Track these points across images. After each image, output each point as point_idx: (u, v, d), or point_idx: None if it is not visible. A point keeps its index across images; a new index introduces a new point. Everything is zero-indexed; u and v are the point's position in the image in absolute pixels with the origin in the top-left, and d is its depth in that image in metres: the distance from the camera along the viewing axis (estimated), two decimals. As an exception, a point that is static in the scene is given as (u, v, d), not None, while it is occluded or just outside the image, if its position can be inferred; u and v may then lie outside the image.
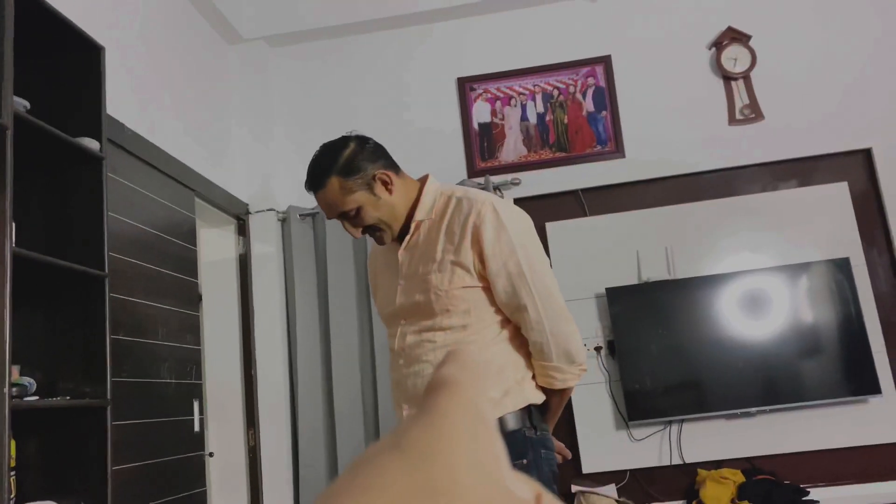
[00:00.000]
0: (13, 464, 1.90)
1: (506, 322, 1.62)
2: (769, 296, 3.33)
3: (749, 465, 3.26)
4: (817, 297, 3.31)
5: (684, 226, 3.50)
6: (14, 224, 1.64)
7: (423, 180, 1.70)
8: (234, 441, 3.41)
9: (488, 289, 1.59)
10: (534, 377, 1.63)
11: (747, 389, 3.26)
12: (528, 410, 1.58)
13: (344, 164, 1.59)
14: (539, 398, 1.61)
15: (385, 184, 1.61)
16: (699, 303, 3.35)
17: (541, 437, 1.58)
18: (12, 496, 1.86)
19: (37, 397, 1.83)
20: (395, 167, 1.65)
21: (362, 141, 1.63)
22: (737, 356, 3.28)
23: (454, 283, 1.57)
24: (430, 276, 1.59)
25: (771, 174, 3.54)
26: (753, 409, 3.24)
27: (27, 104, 1.80)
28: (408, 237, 1.67)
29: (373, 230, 1.64)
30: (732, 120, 3.58)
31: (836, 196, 3.45)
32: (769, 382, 3.26)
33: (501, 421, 1.54)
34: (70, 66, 2.04)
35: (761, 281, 3.34)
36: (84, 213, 1.96)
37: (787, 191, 3.50)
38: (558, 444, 1.71)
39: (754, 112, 3.57)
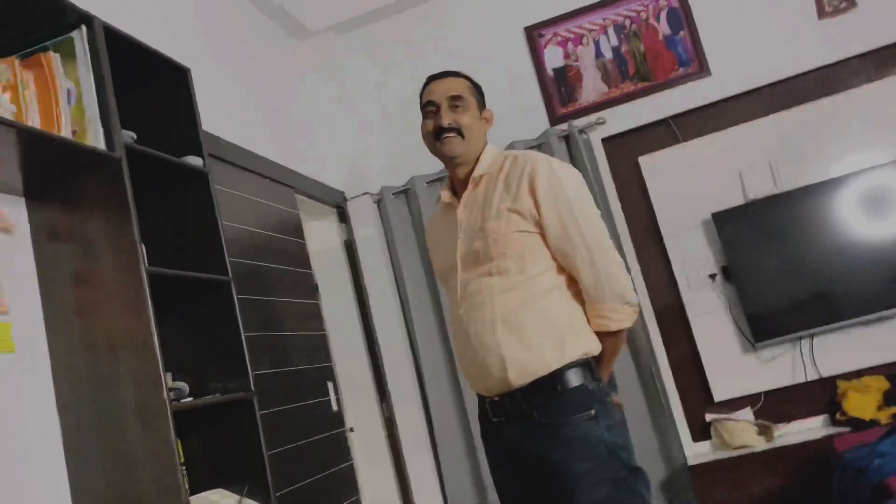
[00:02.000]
0: (182, 460, 2.10)
1: (560, 270, 1.71)
2: (892, 191, 3.13)
3: (894, 371, 3.12)
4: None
5: (786, 135, 3.33)
6: (143, 246, 1.79)
7: (485, 144, 1.86)
8: (370, 415, 3.59)
9: (543, 235, 1.70)
10: (589, 324, 1.71)
11: (880, 292, 3.10)
12: (588, 364, 1.65)
13: (477, 84, 1.88)
14: (595, 347, 1.69)
15: (487, 120, 1.86)
16: (814, 212, 3.20)
17: (603, 389, 1.66)
18: (186, 489, 2.07)
19: (191, 398, 2.00)
20: None
21: None
22: (864, 259, 3.12)
23: (510, 227, 1.69)
24: (488, 224, 1.72)
25: (874, 63, 3.31)
26: (889, 312, 3.09)
27: (134, 135, 1.95)
28: (466, 192, 1.81)
29: (451, 130, 1.78)
30: (822, 13, 3.36)
31: (952, 72, 3.19)
32: (903, 282, 3.09)
33: (564, 377, 1.63)
34: (162, 91, 2.17)
35: (881, 177, 3.15)
36: (200, 226, 2.10)
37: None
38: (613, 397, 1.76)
39: (845, 1, 3.33)
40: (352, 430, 3.35)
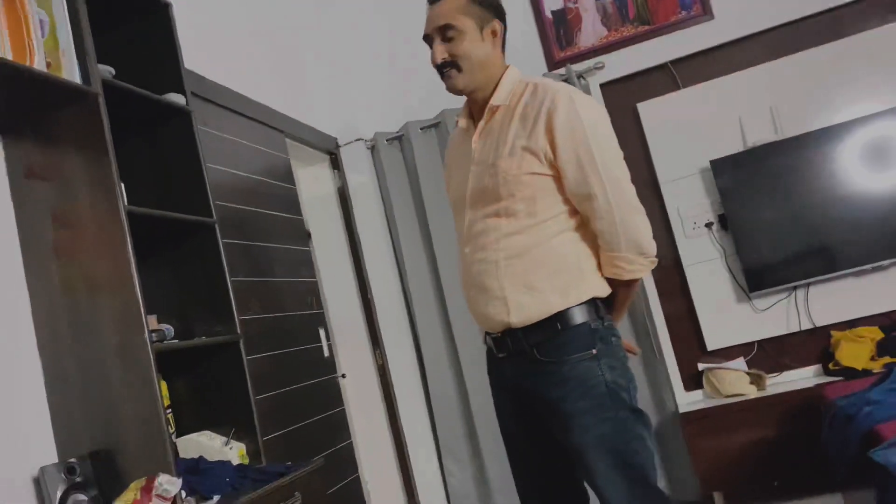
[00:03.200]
0: (167, 402, 2.09)
1: (573, 213, 1.61)
2: (892, 140, 3.07)
3: (888, 321, 3.11)
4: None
5: (788, 81, 3.25)
6: (122, 184, 1.74)
7: (505, 67, 1.70)
8: (363, 362, 3.59)
9: (557, 178, 1.59)
10: (599, 269, 1.62)
11: (876, 243, 3.07)
12: (594, 303, 1.59)
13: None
14: (604, 290, 1.61)
15: (494, 34, 1.65)
16: (813, 160, 3.14)
17: (608, 328, 1.59)
18: (172, 431, 2.06)
19: (176, 341, 1.98)
20: (504, 38, 1.69)
21: None
22: (861, 210, 3.08)
23: (522, 167, 1.58)
24: (500, 161, 1.60)
25: (884, 5, 3.20)
26: (886, 262, 3.06)
27: (112, 70, 1.88)
28: (482, 122, 1.69)
29: (449, 66, 1.64)
30: (830, -46, 3.24)
31: (962, 16, 3.10)
32: (901, 232, 3.05)
33: (567, 315, 1.57)
34: (142, 27, 2.10)
35: (883, 126, 3.08)
36: (183, 166, 2.05)
37: (905, 20, 3.17)
38: (625, 342, 1.67)
39: (855, -60, 3.21)
40: (344, 376, 3.35)
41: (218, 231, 2.09)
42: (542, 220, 1.59)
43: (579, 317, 1.57)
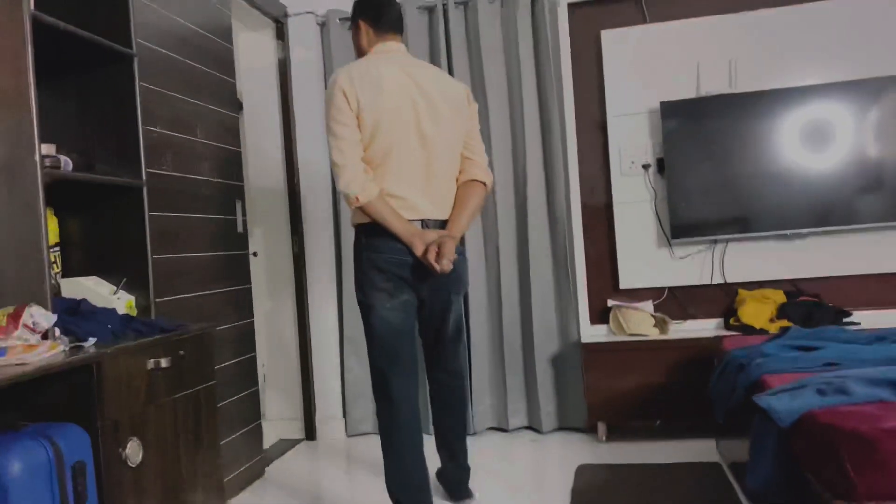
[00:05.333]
0: (57, 240, 1.95)
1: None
2: (837, 114, 3.09)
3: (793, 288, 3.21)
4: (893, 114, 3.07)
5: (751, 36, 3.21)
6: (29, -14, 1.55)
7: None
8: (279, 245, 3.49)
9: None
10: None
11: (800, 211, 3.13)
12: (357, 228, 2.20)
13: (364, 3, 2.31)
14: (361, 220, 2.17)
15: (357, 30, 2.31)
16: (759, 120, 3.14)
17: (361, 245, 2.18)
18: (57, 270, 1.93)
19: (70, 171, 1.83)
20: (381, 25, 2.27)
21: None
22: (790, 177, 3.13)
23: None
24: None
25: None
26: (805, 231, 3.13)
27: None
28: None
29: None
30: (821, -88, 3.17)
31: (930, 1, 3.10)
32: (824, 204, 3.12)
33: None
34: None
35: (831, 97, 3.10)
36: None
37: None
38: (429, 255, 2.08)
39: None
40: (255, 254, 3.24)
41: (136, 67, 1.92)
42: None
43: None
